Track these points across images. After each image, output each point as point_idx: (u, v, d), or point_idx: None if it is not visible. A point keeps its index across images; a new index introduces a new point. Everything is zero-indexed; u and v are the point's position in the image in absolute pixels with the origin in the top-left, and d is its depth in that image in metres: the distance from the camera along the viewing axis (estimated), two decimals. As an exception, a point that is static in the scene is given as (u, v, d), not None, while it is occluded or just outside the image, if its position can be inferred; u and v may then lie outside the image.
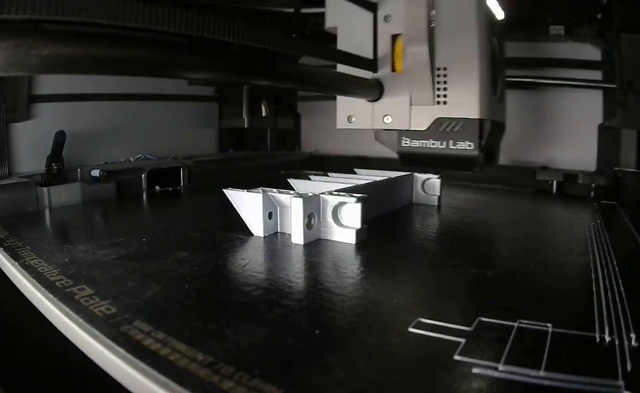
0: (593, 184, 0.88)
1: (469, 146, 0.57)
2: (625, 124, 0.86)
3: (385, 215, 0.61)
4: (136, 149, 0.93)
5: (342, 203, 0.47)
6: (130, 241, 0.47)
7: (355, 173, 0.70)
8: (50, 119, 0.82)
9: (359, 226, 0.46)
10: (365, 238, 0.48)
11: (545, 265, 0.42)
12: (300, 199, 0.44)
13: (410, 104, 0.59)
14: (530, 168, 0.95)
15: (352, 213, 0.47)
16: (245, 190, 0.48)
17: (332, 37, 0.65)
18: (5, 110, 0.77)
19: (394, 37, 0.59)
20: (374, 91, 0.59)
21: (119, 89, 0.93)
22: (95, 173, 0.77)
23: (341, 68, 0.59)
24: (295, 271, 0.39)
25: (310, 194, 0.47)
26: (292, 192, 0.47)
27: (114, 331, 0.28)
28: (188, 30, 0.34)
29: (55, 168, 0.72)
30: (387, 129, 0.62)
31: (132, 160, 0.90)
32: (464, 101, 0.56)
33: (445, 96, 0.57)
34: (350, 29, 0.62)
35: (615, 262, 0.42)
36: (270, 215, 0.49)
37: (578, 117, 0.94)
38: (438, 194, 0.67)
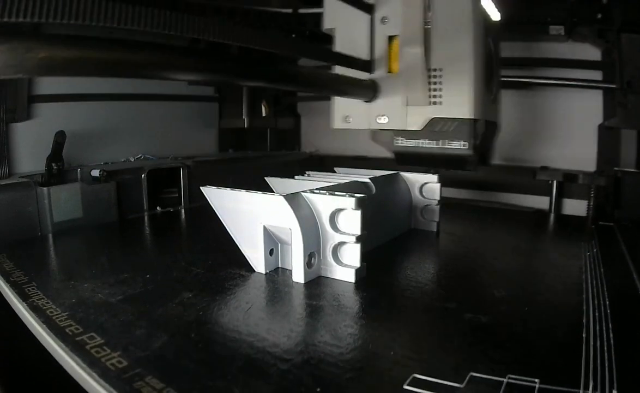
0: (593, 184, 0.87)
1: (463, 145, 0.58)
2: (625, 124, 0.86)
3: (384, 245, 0.62)
4: (136, 149, 0.93)
5: (341, 243, 0.47)
6: (134, 279, 0.48)
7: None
8: (50, 119, 0.82)
9: (358, 265, 0.47)
10: (365, 275, 0.48)
11: (539, 307, 0.43)
12: (301, 238, 0.45)
13: (406, 105, 0.60)
14: (530, 168, 0.95)
15: (352, 252, 0.47)
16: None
17: (331, 38, 0.65)
18: (5, 110, 0.77)
19: (391, 39, 0.60)
20: (369, 91, 0.60)
21: (119, 89, 0.93)
22: (95, 173, 0.77)
23: (339, 69, 0.59)
24: (297, 318, 0.40)
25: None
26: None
27: (127, 388, 0.29)
28: (175, 31, 0.34)
29: (55, 168, 0.72)
30: (382, 129, 0.63)
31: (132, 160, 0.90)
32: (458, 102, 0.57)
33: (440, 96, 0.58)
34: (348, 31, 0.63)
35: (607, 302, 0.43)
36: (271, 252, 0.50)
37: (578, 117, 0.94)
38: (437, 220, 0.68)
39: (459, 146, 0.58)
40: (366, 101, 0.61)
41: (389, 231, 0.64)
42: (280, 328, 0.38)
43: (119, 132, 0.94)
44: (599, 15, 0.86)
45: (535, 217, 0.89)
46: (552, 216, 0.91)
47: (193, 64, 0.38)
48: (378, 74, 0.61)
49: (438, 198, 0.67)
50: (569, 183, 0.92)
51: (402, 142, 0.62)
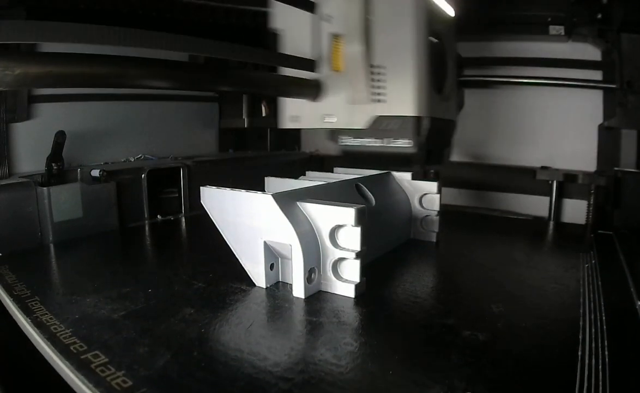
0: (593, 184, 0.88)
1: (407, 143, 0.58)
2: (625, 124, 0.87)
3: (384, 255, 0.62)
4: (136, 149, 0.93)
5: (341, 259, 0.48)
6: (136, 293, 0.48)
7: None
8: (50, 119, 0.83)
9: (357, 280, 0.48)
10: (364, 290, 0.49)
11: (536, 322, 0.43)
12: (301, 254, 0.45)
13: (350, 103, 0.60)
14: (530, 168, 0.95)
15: (352, 268, 0.48)
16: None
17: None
18: (5, 110, 0.78)
19: (336, 37, 0.60)
20: (314, 90, 0.60)
21: (118, 90, 0.93)
22: (95, 173, 0.77)
23: (287, 70, 0.60)
24: (298, 336, 0.40)
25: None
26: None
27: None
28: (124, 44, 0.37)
29: (55, 168, 0.72)
30: (331, 128, 0.63)
31: (132, 160, 0.90)
32: (401, 99, 0.57)
33: (384, 94, 0.58)
34: (295, 31, 0.63)
35: (604, 318, 0.44)
36: (272, 266, 0.50)
37: (578, 117, 0.95)
38: (436, 230, 0.68)
39: (403, 144, 0.58)
40: (312, 101, 0.62)
41: (388, 242, 0.64)
42: (281, 346, 0.38)
43: (119, 132, 0.94)
44: (599, 15, 0.86)
45: (534, 225, 0.89)
46: (551, 224, 0.91)
47: (147, 73, 0.41)
48: (323, 72, 0.61)
49: (437, 208, 0.67)
50: (569, 183, 0.92)
51: (348, 142, 0.62)
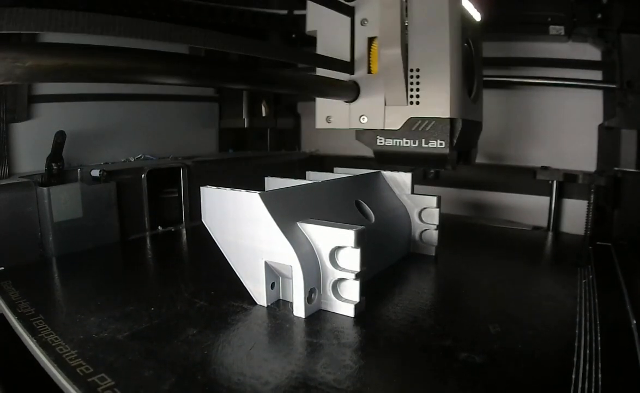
0: (593, 184, 0.88)
1: (440, 144, 0.58)
2: (625, 124, 0.87)
3: (383, 271, 0.63)
4: (136, 149, 0.93)
5: (341, 279, 0.48)
6: (139, 312, 0.49)
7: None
8: (50, 119, 0.83)
9: (357, 300, 0.48)
10: (364, 309, 0.50)
11: (531, 343, 0.44)
12: (302, 275, 0.46)
13: (385, 105, 0.61)
14: (530, 168, 0.95)
15: (351, 288, 0.48)
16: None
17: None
18: (5, 110, 0.77)
19: (371, 40, 0.61)
20: (350, 92, 0.61)
21: (118, 89, 0.93)
22: (95, 173, 0.78)
23: (322, 71, 0.61)
24: (298, 358, 0.41)
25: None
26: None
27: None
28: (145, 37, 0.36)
29: (55, 168, 0.73)
30: (363, 129, 0.64)
31: (132, 160, 0.90)
32: (436, 101, 0.57)
33: (417, 96, 0.58)
34: (330, 33, 0.64)
35: (599, 338, 0.44)
36: (272, 285, 0.51)
37: (578, 117, 0.94)
38: (435, 244, 0.68)
39: (436, 145, 0.58)
40: (347, 102, 0.62)
41: (388, 259, 0.65)
42: (282, 369, 0.39)
43: (119, 132, 0.94)
44: (599, 15, 0.85)
45: (533, 237, 0.89)
46: (550, 235, 0.91)
47: (170, 68, 0.39)
48: (359, 74, 0.62)
49: (437, 222, 0.68)
50: (569, 183, 0.93)
51: (382, 142, 0.62)
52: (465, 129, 0.59)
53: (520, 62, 0.96)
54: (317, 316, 0.48)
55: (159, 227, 0.87)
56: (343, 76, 0.61)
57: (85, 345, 0.42)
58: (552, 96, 0.96)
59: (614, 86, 0.87)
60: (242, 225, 0.49)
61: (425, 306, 0.52)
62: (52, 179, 0.72)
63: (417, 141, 0.59)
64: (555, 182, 0.93)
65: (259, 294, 0.50)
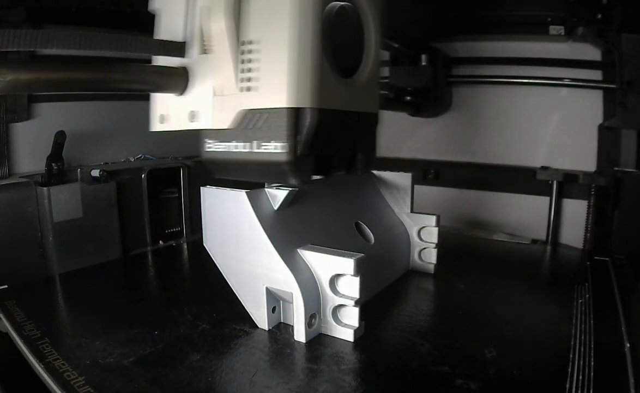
0: (593, 184, 0.88)
1: (275, 147, 0.41)
2: (625, 124, 0.87)
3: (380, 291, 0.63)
4: (136, 149, 0.93)
5: (341, 305, 0.49)
6: (144, 336, 0.50)
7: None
8: (50, 119, 0.82)
9: (356, 325, 0.49)
10: (363, 333, 0.50)
11: (526, 368, 0.45)
12: (302, 302, 0.47)
13: (214, 95, 0.43)
14: (530, 168, 0.96)
15: (351, 314, 0.49)
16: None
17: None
18: (5, 110, 0.77)
19: (207, 11, 0.43)
20: (174, 80, 0.45)
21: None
22: (95, 173, 0.78)
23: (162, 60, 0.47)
24: (299, 385, 0.42)
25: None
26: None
27: None
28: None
29: (55, 168, 0.73)
30: (196, 129, 0.46)
31: (132, 160, 0.90)
32: (272, 85, 0.40)
33: (250, 79, 0.41)
34: (170, 10, 0.47)
35: (592, 363, 0.45)
36: (273, 309, 0.51)
37: (578, 117, 0.95)
38: (434, 262, 0.69)
39: (271, 148, 0.41)
40: (178, 94, 0.46)
41: (388, 279, 0.65)
42: (284, 398, 0.40)
43: (119, 132, 0.93)
44: (599, 15, 0.85)
45: (531, 252, 0.90)
46: (548, 249, 0.92)
47: None
48: (189, 57, 0.45)
49: (436, 241, 0.68)
50: (569, 183, 0.93)
51: (211, 147, 0.45)
52: (331, 125, 0.43)
53: (520, 62, 0.95)
54: (318, 340, 0.49)
55: (160, 242, 0.88)
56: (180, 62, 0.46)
57: (92, 371, 0.43)
58: (552, 96, 0.96)
59: (614, 86, 0.87)
60: (243, 247, 0.49)
61: (423, 329, 0.52)
62: (52, 179, 0.72)
63: (249, 144, 0.42)
64: (555, 182, 0.94)
65: (260, 318, 0.51)
